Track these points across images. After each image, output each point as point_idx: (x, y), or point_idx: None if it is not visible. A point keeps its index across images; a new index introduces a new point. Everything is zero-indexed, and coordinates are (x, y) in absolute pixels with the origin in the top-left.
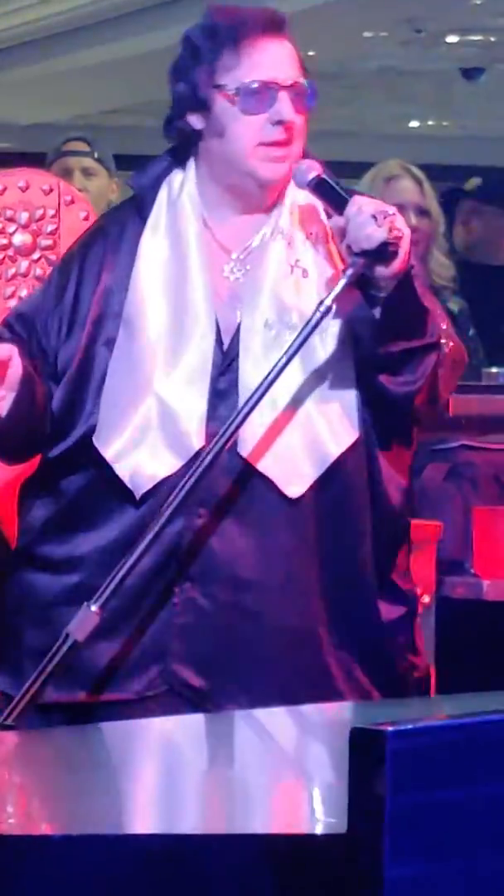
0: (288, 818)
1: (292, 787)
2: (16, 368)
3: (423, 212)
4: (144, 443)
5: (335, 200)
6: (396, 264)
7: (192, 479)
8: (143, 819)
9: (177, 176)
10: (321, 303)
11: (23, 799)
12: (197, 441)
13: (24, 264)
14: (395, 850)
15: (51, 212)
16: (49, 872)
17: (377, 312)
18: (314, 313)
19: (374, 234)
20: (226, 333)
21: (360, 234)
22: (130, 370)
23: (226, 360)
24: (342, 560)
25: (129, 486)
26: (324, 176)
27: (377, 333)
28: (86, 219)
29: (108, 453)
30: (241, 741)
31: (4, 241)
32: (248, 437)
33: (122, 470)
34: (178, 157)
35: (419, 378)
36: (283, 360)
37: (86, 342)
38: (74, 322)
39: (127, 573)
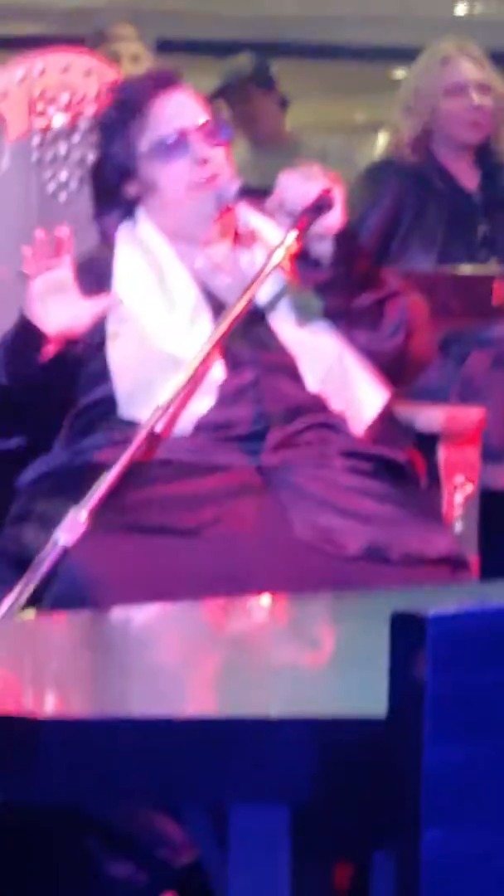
0: (328, 702)
1: (332, 672)
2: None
3: (484, 88)
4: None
5: (264, 193)
6: (338, 212)
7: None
8: (189, 702)
9: (126, 224)
10: (274, 249)
11: (53, 683)
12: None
13: (63, 148)
14: (435, 732)
15: (91, 95)
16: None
17: (324, 257)
18: (267, 260)
19: (310, 188)
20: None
21: (297, 192)
22: (138, 348)
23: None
24: None
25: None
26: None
27: (343, 284)
28: None
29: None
30: (279, 627)
31: (44, 123)
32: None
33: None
34: (122, 213)
35: (400, 325)
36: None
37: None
38: None
39: (115, 478)
